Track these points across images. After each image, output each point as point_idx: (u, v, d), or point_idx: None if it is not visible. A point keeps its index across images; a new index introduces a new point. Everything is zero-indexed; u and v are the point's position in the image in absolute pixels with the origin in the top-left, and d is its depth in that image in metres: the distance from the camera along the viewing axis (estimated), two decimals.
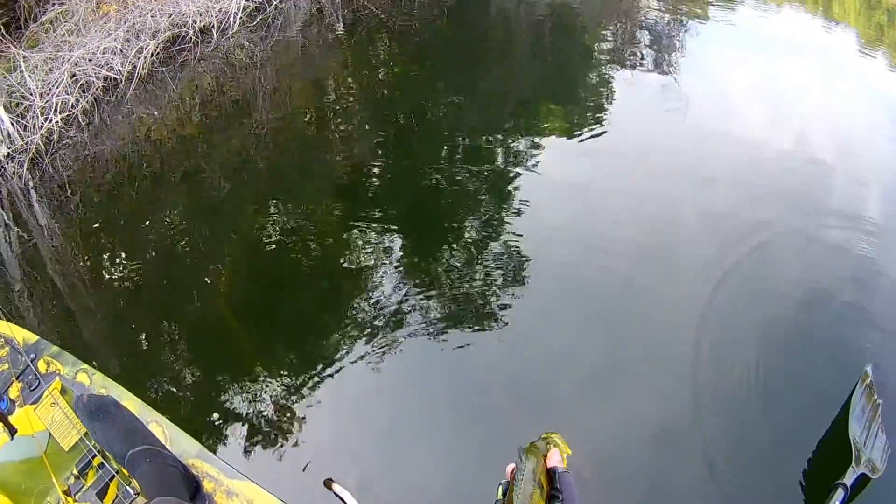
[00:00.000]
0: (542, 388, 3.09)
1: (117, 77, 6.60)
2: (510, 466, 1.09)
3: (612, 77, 6.34)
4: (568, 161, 4.81)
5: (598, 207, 4.31)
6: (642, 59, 6.75)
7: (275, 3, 8.04)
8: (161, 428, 2.30)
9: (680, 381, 3.14)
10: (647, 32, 7.51)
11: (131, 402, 2.42)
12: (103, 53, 6.68)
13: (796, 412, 2.99)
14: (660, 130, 5.17)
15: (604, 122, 5.35)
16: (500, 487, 1.08)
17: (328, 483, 2.54)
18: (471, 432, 2.95)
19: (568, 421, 2.92)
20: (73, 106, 5.99)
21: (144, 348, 3.67)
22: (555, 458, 1.09)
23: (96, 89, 6.36)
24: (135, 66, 6.75)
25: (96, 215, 4.89)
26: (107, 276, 4.25)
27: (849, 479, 2.42)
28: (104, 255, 4.48)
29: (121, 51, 6.77)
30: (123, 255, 4.43)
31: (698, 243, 3.98)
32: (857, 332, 3.44)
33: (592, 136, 5.14)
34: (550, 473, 1.07)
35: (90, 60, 6.55)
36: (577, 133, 5.23)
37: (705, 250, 3.89)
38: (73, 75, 6.30)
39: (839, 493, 2.35)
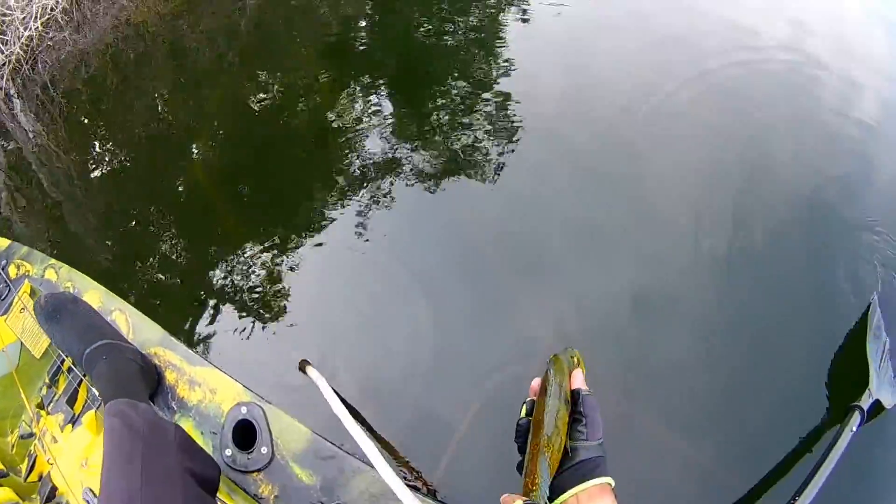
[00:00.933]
0: (535, 245, 2.72)
1: None
2: (536, 381, 1.03)
3: None
4: (560, 21, 4.13)
5: (591, 68, 3.70)
6: None
7: None
8: (124, 316, 1.80)
9: (683, 254, 2.62)
10: None
11: (96, 293, 1.95)
12: None
13: (815, 309, 2.43)
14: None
15: None
16: (525, 406, 1.01)
17: (302, 365, 2.04)
18: (460, 293, 2.56)
19: (559, 280, 2.54)
20: (52, 9, 5.40)
21: (126, 234, 3.30)
22: (578, 380, 1.02)
23: None
24: None
25: (81, 109, 4.48)
26: (93, 167, 3.87)
27: (865, 402, 2.04)
28: (90, 147, 4.09)
29: None
30: (110, 144, 4.02)
31: (699, 114, 3.27)
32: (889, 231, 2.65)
33: None
34: (574, 395, 0.99)
35: None
36: None
37: (708, 120, 3.21)
38: None
39: (856, 417, 1.98)
